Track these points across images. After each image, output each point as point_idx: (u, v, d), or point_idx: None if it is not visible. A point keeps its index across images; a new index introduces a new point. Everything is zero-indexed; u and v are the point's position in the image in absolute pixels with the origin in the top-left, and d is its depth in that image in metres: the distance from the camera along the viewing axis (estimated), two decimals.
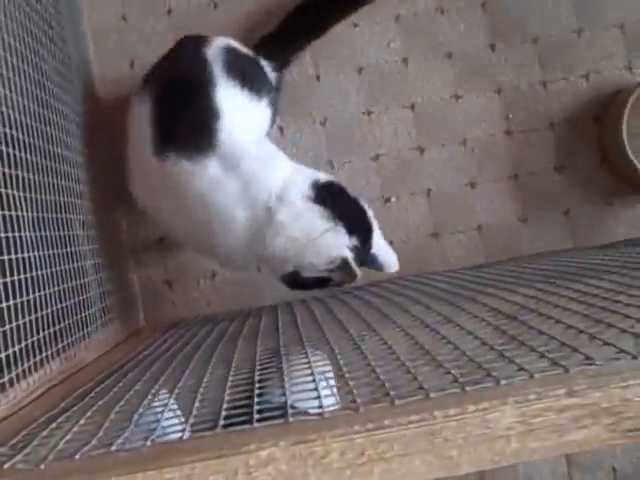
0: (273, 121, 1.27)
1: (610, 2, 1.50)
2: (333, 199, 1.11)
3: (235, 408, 0.60)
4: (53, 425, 0.63)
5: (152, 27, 1.48)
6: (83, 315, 1.04)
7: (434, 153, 1.48)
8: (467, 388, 0.50)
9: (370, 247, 1.15)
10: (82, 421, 0.62)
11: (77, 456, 0.51)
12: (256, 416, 0.55)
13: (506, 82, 1.49)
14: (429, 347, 0.65)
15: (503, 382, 0.51)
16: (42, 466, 0.51)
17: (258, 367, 0.77)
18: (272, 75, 1.27)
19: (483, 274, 1.18)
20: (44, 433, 0.60)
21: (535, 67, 1.50)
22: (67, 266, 1.01)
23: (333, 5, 1.36)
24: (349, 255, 1.07)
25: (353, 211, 1.14)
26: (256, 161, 1.11)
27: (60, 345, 0.93)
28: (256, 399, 0.62)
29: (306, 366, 0.71)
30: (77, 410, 0.68)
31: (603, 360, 0.52)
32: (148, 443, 0.52)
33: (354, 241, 1.10)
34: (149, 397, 0.69)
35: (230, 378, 0.72)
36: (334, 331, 0.89)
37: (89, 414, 0.65)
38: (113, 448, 0.52)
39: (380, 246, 1.18)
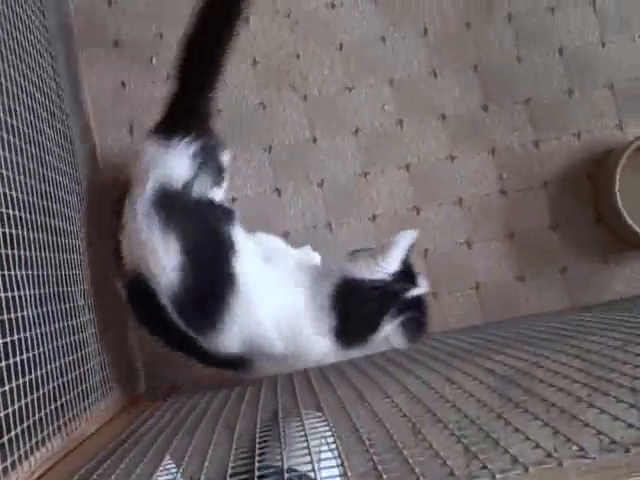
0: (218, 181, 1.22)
1: (600, 63, 1.54)
2: None
3: (238, 474, 0.60)
4: None
5: (151, 93, 1.52)
6: (84, 387, 1.05)
7: (430, 213, 1.50)
8: None
9: None
10: None
11: None
12: None
13: (499, 142, 1.52)
14: (424, 427, 0.66)
15: (498, 477, 0.51)
16: None
17: (259, 432, 0.78)
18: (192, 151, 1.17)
19: (480, 338, 1.19)
20: None
21: (527, 127, 1.53)
22: (69, 339, 1.02)
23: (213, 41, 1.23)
24: None
25: None
26: None
27: (62, 420, 0.94)
28: (257, 464, 0.62)
29: (306, 430, 0.72)
30: None
31: (596, 452, 0.52)
32: None
33: None
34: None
35: (234, 445, 0.73)
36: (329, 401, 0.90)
37: None
38: None
39: None
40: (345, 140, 1.52)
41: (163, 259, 1.04)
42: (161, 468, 0.74)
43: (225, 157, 1.25)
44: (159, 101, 1.50)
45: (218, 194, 1.19)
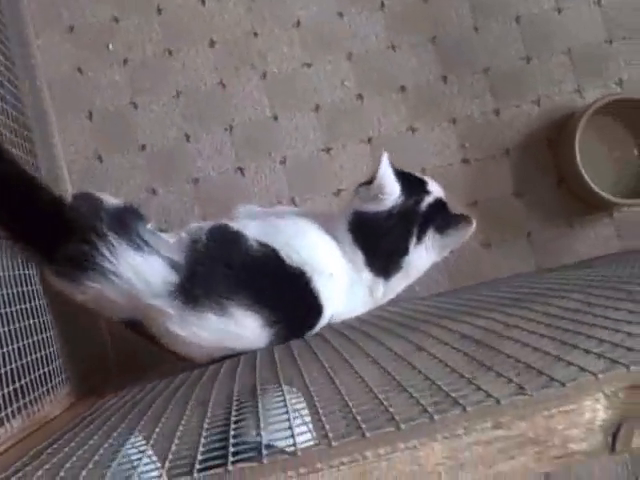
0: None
1: (556, 29, 1.55)
2: None
3: (211, 450, 0.60)
4: None
5: (109, 78, 1.51)
6: (46, 370, 1.04)
7: None
8: (402, 426, 0.51)
9: None
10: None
11: None
12: (231, 458, 0.54)
13: (460, 112, 1.53)
14: (374, 382, 0.66)
15: (437, 417, 0.51)
16: None
17: (235, 407, 0.77)
18: None
19: (443, 302, 1.19)
20: None
21: (487, 96, 1.53)
22: (27, 322, 1.01)
23: None
24: None
25: None
26: None
27: (22, 402, 0.93)
28: (232, 440, 0.62)
29: (281, 404, 0.71)
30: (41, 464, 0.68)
31: (535, 389, 0.53)
32: None
33: None
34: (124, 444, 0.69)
35: (207, 420, 0.72)
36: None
37: (48, 467, 0.64)
38: None
39: None
40: (306, 117, 1.52)
41: None
42: (129, 446, 0.74)
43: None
44: (117, 86, 1.51)
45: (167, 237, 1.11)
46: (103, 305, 1.05)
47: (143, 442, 0.75)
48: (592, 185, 1.41)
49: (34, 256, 1.06)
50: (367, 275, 1.18)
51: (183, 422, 0.74)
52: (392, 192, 1.17)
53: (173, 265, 1.03)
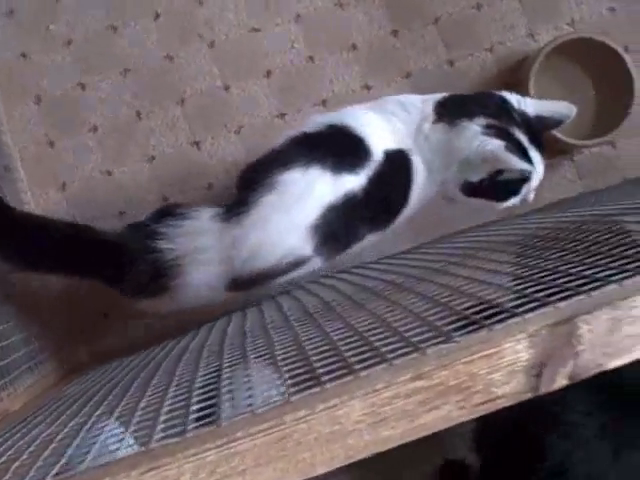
0: None
1: None
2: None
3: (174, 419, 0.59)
4: None
5: (53, 60, 1.47)
6: (4, 363, 1.02)
7: None
8: (327, 386, 0.50)
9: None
10: None
11: None
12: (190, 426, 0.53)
13: (414, 66, 1.50)
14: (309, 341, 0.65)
15: (363, 374, 0.50)
16: None
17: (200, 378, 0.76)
18: None
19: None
20: None
21: (440, 47, 1.50)
22: None
23: None
24: (497, 145, 1.10)
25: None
26: None
27: None
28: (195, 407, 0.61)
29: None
30: None
31: (460, 336, 0.52)
32: None
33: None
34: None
35: (172, 390, 0.71)
36: None
37: None
38: None
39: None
40: (258, 83, 1.49)
41: None
42: (107, 430, 0.72)
43: None
44: (63, 68, 1.48)
45: None
46: (202, 292, 1.09)
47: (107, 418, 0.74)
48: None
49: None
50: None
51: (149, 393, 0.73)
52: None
53: None
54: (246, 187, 1.10)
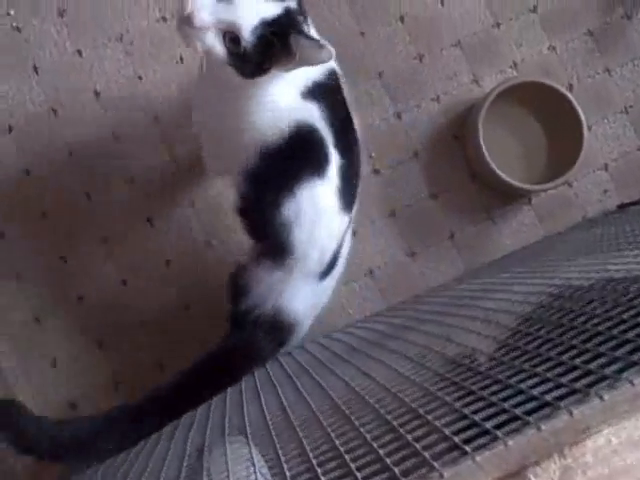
0: None
1: (443, 23, 1.51)
2: None
3: None
4: None
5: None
6: None
7: None
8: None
9: None
10: None
11: None
12: None
13: (360, 122, 1.47)
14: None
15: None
16: None
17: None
18: None
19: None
20: None
21: (385, 100, 1.49)
22: None
23: None
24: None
25: None
26: None
27: None
28: None
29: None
30: None
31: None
32: None
33: None
34: None
35: None
36: None
37: None
38: None
39: None
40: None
41: None
42: None
43: None
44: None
45: None
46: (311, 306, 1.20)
47: None
48: (503, 175, 1.38)
49: None
50: None
51: None
52: None
53: None
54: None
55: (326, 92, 1.09)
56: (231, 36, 0.94)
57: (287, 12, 0.96)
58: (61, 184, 1.40)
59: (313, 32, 1.03)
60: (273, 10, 0.94)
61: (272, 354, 1.18)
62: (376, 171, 1.47)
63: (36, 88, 1.41)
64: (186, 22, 0.92)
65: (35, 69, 1.42)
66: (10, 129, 1.40)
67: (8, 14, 1.42)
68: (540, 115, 1.45)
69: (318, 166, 1.08)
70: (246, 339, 1.17)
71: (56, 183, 1.40)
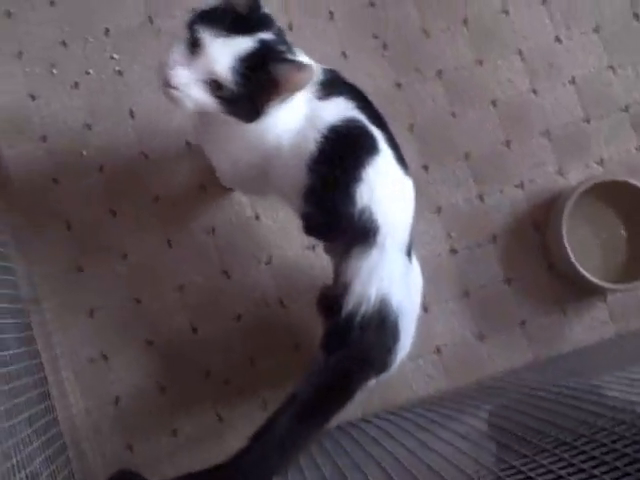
0: None
1: (533, 111, 1.53)
2: None
3: None
4: None
5: None
6: None
7: None
8: None
9: None
10: None
11: None
12: None
13: (444, 201, 1.50)
14: None
15: None
16: None
17: None
18: None
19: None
20: None
21: (470, 182, 1.51)
22: None
23: None
24: None
25: None
26: None
27: None
28: None
29: None
30: None
31: None
32: None
33: None
34: None
35: None
36: None
37: None
38: None
39: None
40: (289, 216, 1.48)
41: None
42: None
43: None
44: None
45: None
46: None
47: None
48: (581, 270, 1.39)
49: None
50: None
51: None
52: None
53: None
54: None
55: (332, 79, 1.09)
56: (213, 83, 0.95)
57: (262, 44, 0.96)
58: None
59: (304, 59, 1.03)
60: (246, 45, 0.94)
61: (381, 365, 1.11)
62: (453, 250, 1.49)
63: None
64: (166, 84, 0.94)
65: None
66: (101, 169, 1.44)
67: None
68: (623, 213, 1.46)
69: (370, 145, 1.07)
70: (356, 347, 1.08)
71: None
